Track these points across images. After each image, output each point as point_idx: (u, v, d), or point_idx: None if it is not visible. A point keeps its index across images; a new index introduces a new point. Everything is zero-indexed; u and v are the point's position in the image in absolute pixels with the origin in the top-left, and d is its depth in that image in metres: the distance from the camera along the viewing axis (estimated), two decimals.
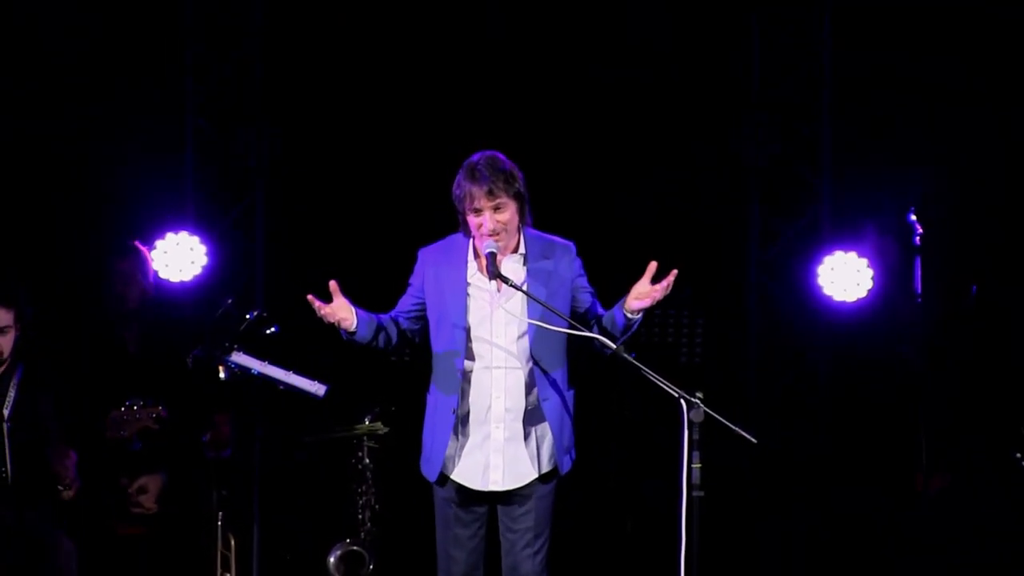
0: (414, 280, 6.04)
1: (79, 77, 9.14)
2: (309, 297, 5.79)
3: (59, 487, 7.19)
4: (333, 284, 5.80)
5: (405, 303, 6.04)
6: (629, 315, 5.80)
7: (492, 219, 5.86)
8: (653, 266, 5.76)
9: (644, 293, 5.77)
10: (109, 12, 9.17)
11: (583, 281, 6.01)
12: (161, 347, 7.90)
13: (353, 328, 5.87)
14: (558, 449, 5.92)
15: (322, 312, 5.82)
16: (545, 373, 5.89)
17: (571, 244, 6.04)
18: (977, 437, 8.34)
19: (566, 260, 5.98)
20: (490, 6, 9.43)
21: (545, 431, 5.92)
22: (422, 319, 6.02)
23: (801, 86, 9.59)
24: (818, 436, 9.48)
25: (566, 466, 5.95)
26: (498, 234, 5.86)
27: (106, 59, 9.18)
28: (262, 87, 9.42)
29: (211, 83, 9.41)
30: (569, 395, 5.98)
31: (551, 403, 5.90)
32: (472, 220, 5.89)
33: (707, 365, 9.18)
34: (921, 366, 8.30)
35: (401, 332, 6.01)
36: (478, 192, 5.84)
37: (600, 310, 5.98)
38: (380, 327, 5.95)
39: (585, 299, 6.00)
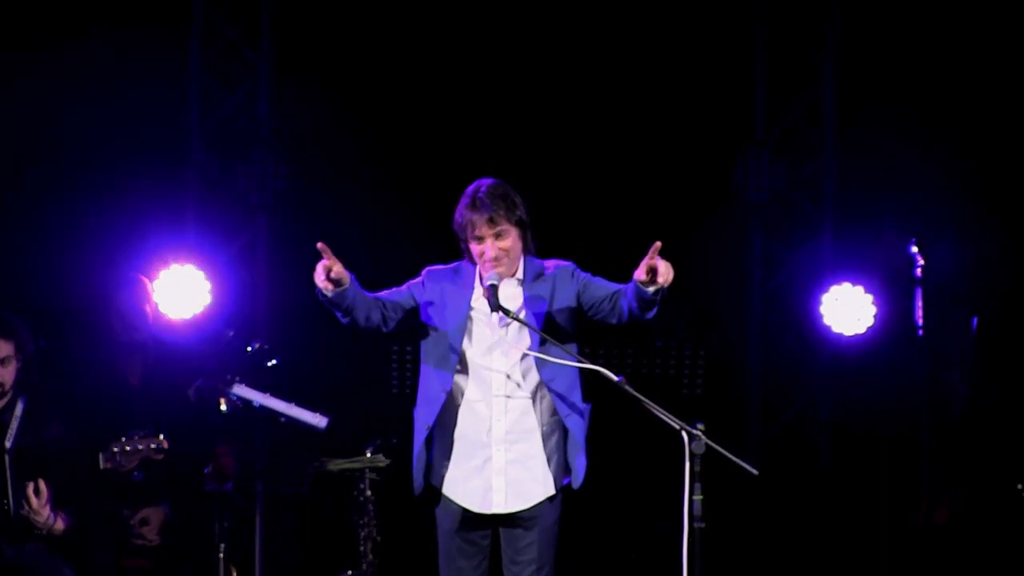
0: (412, 286, 6.02)
1: (83, 110, 9.16)
2: (320, 245, 5.68)
3: (37, 529, 7.17)
4: (322, 244, 5.70)
5: (394, 294, 5.98)
6: (650, 291, 5.68)
7: (494, 246, 5.89)
8: (657, 245, 5.65)
9: (655, 271, 5.65)
10: (114, 47, 9.20)
11: (589, 278, 5.97)
12: (163, 379, 7.90)
13: (347, 282, 5.74)
14: (572, 465, 5.91)
15: (327, 262, 5.69)
16: (556, 392, 5.89)
17: (570, 262, 6.04)
18: (981, 469, 8.33)
19: (565, 276, 5.98)
20: (492, 41, 9.47)
21: (554, 451, 5.93)
22: (398, 316, 5.95)
23: (804, 119, 9.62)
24: (821, 467, 9.47)
25: (578, 481, 5.94)
26: (500, 260, 5.89)
27: (111, 93, 9.20)
28: (266, 123, 9.45)
29: (215, 118, 9.44)
30: (585, 409, 5.96)
31: (569, 421, 5.90)
32: (474, 248, 5.92)
33: (709, 397, 9.19)
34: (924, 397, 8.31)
35: (382, 314, 5.90)
36: (479, 220, 5.87)
37: (622, 286, 5.87)
38: (366, 298, 5.85)
39: (600, 288, 5.92)
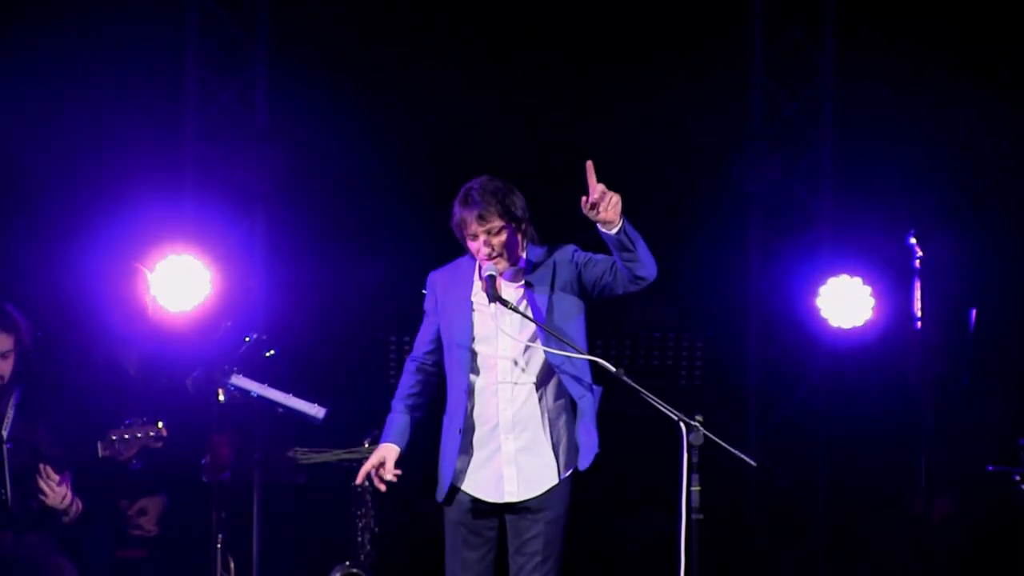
0: (428, 306, 6.07)
1: (80, 100, 9.15)
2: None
3: (63, 517, 7.19)
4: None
5: (426, 334, 6.06)
6: (612, 232, 5.66)
7: (487, 243, 5.87)
8: (590, 165, 5.65)
9: (598, 206, 5.62)
10: (111, 36, 9.20)
11: (590, 256, 5.93)
12: (161, 370, 7.90)
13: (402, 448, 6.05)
14: (581, 447, 5.89)
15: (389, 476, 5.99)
16: (568, 374, 5.88)
17: (570, 245, 6.02)
18: (977, 461, 8.33)
19: (565, 257, 5.95)
20: (490, 31, 9.46)
21: (561, 435, 5.91)
22: (440, 348, 6.06)
23: (803, 111, 9.62)
24: (818, 459, 9.48)
25: (586, 463, 5.91)
26: (496, 257, 5.88)
27: (108, 83, 9.20)
28: (264, 112, 9.45)
29: (213, 108, 9.44)
30: (597, 391, 5.95)
31: (583, 402, 5.87)
32: (471, 245, 5.93)
33: (707, 387, 9.18)
34: (921, 389, 8.31)
35: (428, 381, 6.07)
36: (470, 218, 5.86)
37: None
38: (418, 404, 6.08)
39: (599, 264, 5.90)
